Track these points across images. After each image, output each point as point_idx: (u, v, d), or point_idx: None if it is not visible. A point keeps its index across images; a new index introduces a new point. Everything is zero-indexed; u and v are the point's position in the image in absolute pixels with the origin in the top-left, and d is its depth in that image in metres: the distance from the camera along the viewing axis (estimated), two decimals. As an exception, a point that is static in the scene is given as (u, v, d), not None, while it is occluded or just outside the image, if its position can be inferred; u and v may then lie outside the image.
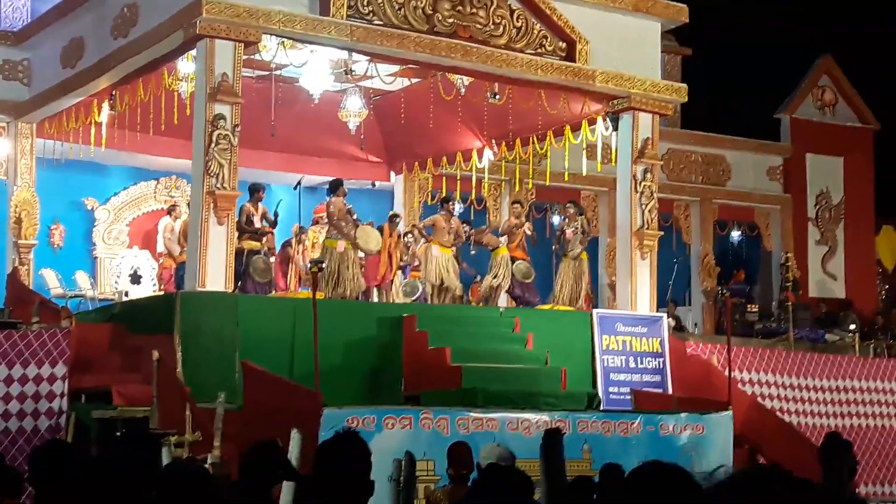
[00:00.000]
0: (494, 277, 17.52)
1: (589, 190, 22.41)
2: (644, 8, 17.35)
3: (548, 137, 18.45)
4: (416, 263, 18.45)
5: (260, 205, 16.61)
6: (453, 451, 8.69)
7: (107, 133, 17.66)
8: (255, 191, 16.59)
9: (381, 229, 17.33)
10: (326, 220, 16.60)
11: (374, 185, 21.33)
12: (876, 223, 26.57)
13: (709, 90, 23.72)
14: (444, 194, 20.05)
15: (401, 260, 18.13)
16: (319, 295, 13.90)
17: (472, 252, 18.74)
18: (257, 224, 16.37)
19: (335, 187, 16.43)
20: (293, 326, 14.03)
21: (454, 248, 17.56)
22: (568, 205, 18.52)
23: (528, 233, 18.08)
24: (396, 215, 18.60)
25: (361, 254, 16.55)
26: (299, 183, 18.07)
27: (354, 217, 16.35)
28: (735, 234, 25.45)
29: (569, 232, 17.81)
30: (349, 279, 15.88)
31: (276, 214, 17.07)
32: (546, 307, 17.62)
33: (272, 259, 18.11)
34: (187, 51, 15.08)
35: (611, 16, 17.06)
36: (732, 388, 14.75)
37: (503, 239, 17.88)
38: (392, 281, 17.74)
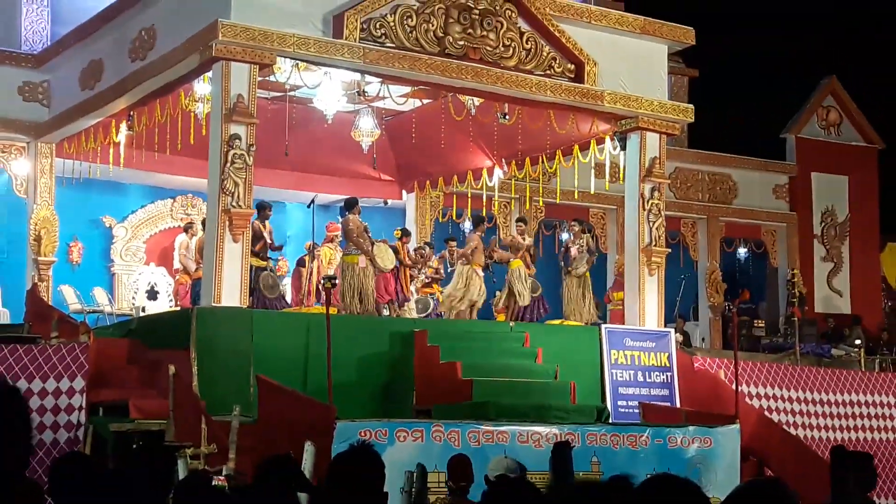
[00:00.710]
0: (518, 294, 17.39)
1: (597, 208, 22.43)
2: (651, 30, 17.41)
3: (557, 156, 18.44)
4: (428, 280, 18.46)
5: (267, 223, 16.65)
6: (452, 464, 8.69)
7: (125, 153, 17.71)
8: (263, 208, 16.63)
9: (394, 248, 17.42)
10: (343, 237, 16.62)
11: (386, 203, 21.39)
12: (881, 240, 26.52)
13: (715, 110, 23.83)
14: (454, 213, 20.14)
15: (418, 272, 18.20)
16: (333, 310, 13.93)
17: (490, 273, 18.58)
18: (268, 239, 16.46)
19: (351, 205, 16.47)
20: (307, 341, 14.05)
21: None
22: (573, 223, 18.53)
23: (530, 252, 18.02)
24: (408, 232, 18.68)
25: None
26: (313, 201, 18.11)
27: (369, 234, 16.42)
28: (742, 251, 25.42)
29: (573, 250, 17.82)
30: (370, 294, 15.96)
31: (280, 247, 17.40)
32: (556, 322, 17.61)
33: (285, 277, 18.23)
34: (203, 73, 15.16)
35: (619, 38, 17.12)
36: (739, 402, 14.72)
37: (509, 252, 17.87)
38: (408, 296, 17.78)
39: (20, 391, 4.16)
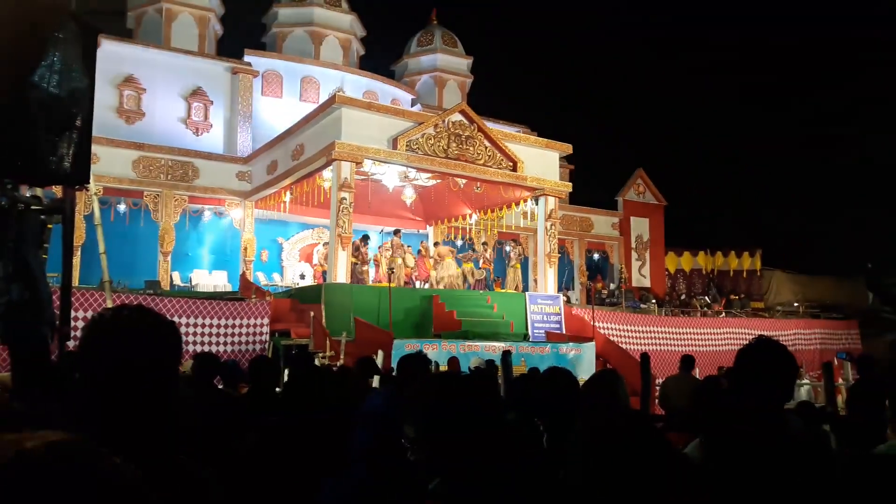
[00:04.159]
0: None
1: (524, 233, 22.35)
2: (550, 146, 17.35)
3: (503, 208, 18.43)
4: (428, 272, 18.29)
5: (365, 245, 16.61)
6: (450, 361, 8.63)
7: (289, 206, 17.73)
8: (366, 237, 16.67)
9: (419, 252, 17.34)
10: (390, 248, 16.64)
11: (418, 231, 21.32)
12: (665, 250, 26.48)
13: (583, 186, 23.66)
14: (452, 236, 20.03)
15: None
16: (393, 284, 13.90)
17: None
18: (362, 251, 16.40)
19: (395, 232, 16.55)
20: (378, 300, 14.02)
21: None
22: (512, 241, 18.47)
23: (487, 256, 17.84)
24: (425, 244, 18.72)
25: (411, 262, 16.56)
26: (382, 230, 18.08)
27: (403, 247, 16.47)
28: (596, 256, 25.32)
29: (512, 254, 17.81)
30: (402, 277, 16.01)
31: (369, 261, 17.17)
32: (501, 291, 17.54)
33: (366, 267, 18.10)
34: (328, 166, 15.14)
35: (534, 149, 17.07)
36: (595, 331, 14.69)
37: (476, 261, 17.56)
38: (428, 277, 17.69)
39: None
